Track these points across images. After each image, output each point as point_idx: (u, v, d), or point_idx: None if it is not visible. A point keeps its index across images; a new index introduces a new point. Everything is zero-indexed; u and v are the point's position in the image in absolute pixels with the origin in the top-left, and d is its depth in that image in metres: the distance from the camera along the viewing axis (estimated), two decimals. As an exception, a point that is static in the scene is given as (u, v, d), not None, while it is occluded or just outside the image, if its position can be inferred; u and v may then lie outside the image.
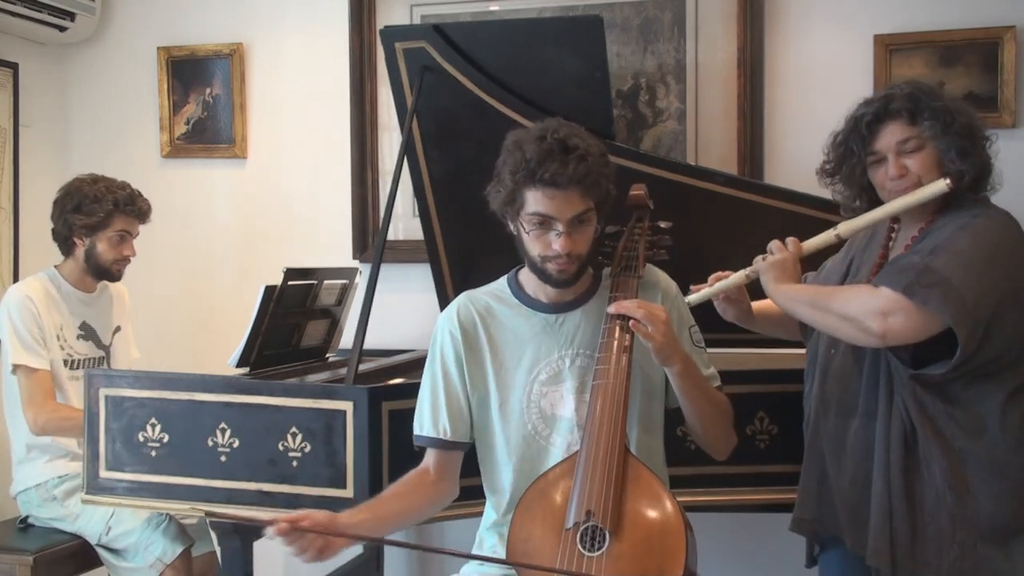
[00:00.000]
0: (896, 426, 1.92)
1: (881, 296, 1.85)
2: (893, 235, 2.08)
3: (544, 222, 1.85)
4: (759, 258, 2.09)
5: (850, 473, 1.99)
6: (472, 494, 2.10)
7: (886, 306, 1.83)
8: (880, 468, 1.93)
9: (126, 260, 3.03)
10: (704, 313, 2.16)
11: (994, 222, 1.91)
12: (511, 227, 1.93)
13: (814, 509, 2.08)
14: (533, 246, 1.88)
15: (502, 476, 1.99)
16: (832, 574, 2.13)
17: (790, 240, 2.08)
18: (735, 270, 2.15)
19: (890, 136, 1.96)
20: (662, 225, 2.09)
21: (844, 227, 2.05)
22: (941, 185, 1.89)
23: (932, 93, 1.97)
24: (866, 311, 1.86)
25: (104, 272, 3.02)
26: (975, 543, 1.86)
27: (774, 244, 2.08)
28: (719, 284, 2.15)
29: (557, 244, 1.84)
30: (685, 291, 2.12)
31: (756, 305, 2.24)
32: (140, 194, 3.04)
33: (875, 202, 2.04)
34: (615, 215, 2.03)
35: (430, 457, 2.02)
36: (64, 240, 3.00)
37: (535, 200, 1.84)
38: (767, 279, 2.05)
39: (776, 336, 2.32)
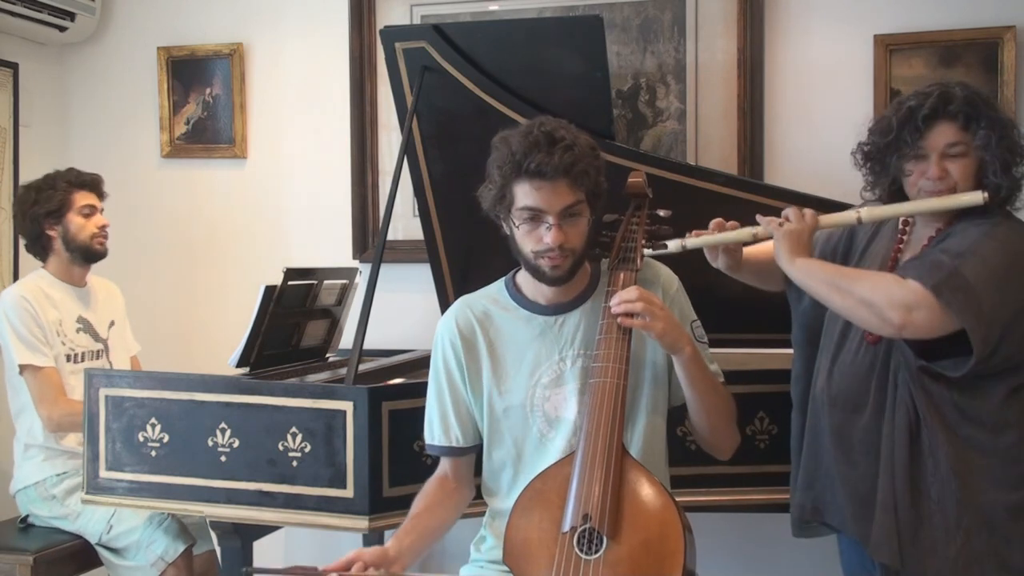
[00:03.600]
0: (901, 416, 1.91)
1: (908, 289, 1.84)
2: (907, 231, 2.04)
3: (535, 216, 1.84)
4: (772, 220, 2.01)
5: (862, 468, 1.97)
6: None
7: (912, 300, 1.82)
8: (886, 461, 1.92)
9: (103, 233, 3.03)
10: (704, 313, 2.15)
11: (1015, 232, 1.91)
12: (504, 228, 1.92)
13: (818, 497, 2.07)
14: (525, 242, 1.87)
15: (503, 479, 1.99)
16: (853, 555, 2.10)
17: (808, 211, 2.00)
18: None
19: (940, 136, 1.91)
20: (660, 214, 2.07)
21: (867, 212, 2.00)
22: (977, 197, 1.87)
23: (989, 102, 1.93)
24: (891, 301, 1.84)
25: (87, 251, 3.00)
26: (980, 529, 1.86)
27: (791, 211, 2.00)
28: (721, 236, 2.06)
29: (548, 237, 1.83)
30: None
31: (745, 253, 2.17)
32: (81, 170, 3.06)
33: (896, 192, 2.00)
34: (614, 204, 2.00)
35: (447, 465, 2.03)
36: (38, 239, 3.00)
37: (523, 193, 1.83)
38: (781, 248, 1.97)
39: (755, 285, 2.24)
